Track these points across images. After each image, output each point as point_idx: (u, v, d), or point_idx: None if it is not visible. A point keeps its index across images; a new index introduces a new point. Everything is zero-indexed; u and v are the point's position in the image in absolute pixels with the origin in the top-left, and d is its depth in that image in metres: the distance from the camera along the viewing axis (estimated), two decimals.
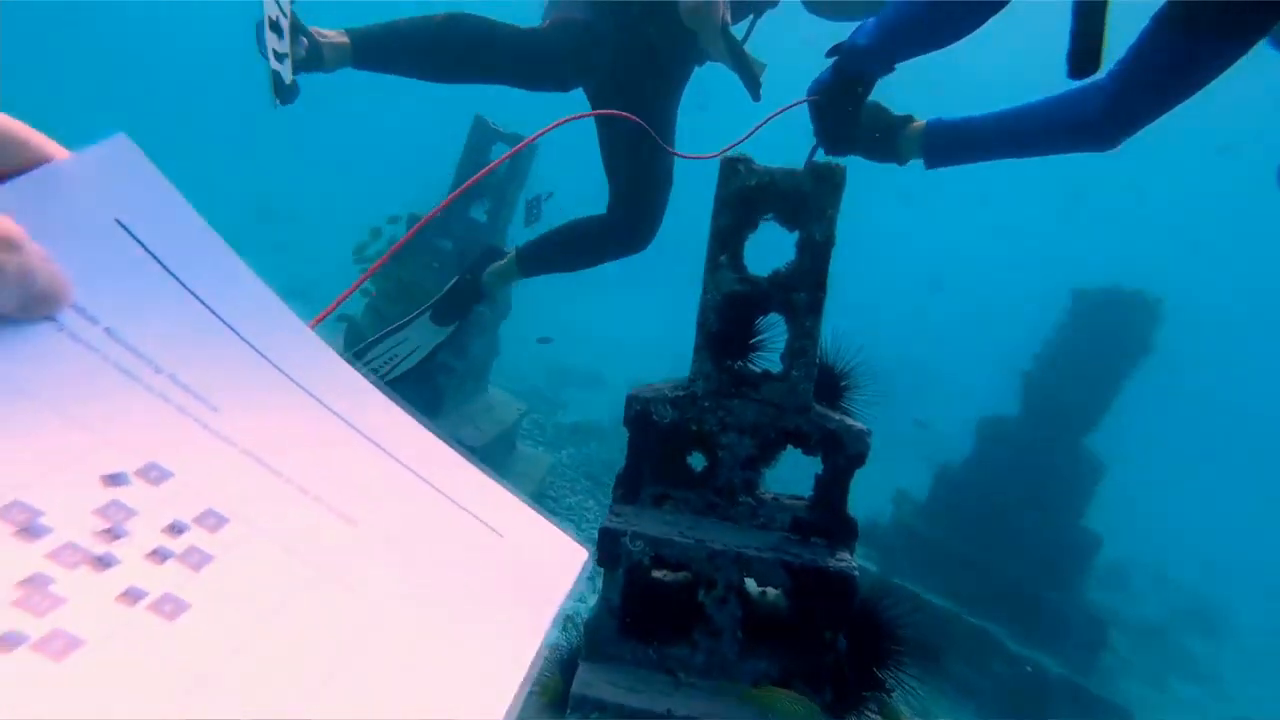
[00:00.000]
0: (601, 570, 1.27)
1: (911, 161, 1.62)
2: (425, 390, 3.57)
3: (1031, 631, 4.14)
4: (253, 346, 0.35)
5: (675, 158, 2.43)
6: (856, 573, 1.21)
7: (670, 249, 3.32)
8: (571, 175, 5.29)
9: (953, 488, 4.66)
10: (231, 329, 0.34)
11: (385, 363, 2.97)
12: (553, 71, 2.26)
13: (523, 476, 4.05)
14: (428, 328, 3.10)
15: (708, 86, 2.89)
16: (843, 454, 1.34)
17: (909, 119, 1.55)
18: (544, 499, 4.65)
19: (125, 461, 0.27)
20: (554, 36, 2.21)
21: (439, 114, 4.04)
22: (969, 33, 1.27)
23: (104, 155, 0.30)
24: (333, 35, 2.10)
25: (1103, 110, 1.31)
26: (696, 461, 1.50)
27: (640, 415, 1.42)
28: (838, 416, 1.36)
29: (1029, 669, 3.92)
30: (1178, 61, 1.16)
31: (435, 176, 4.03)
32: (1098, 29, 1.13)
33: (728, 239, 1.44)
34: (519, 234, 4.21)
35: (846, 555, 1.27)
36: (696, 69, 2.44)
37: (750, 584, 1.31)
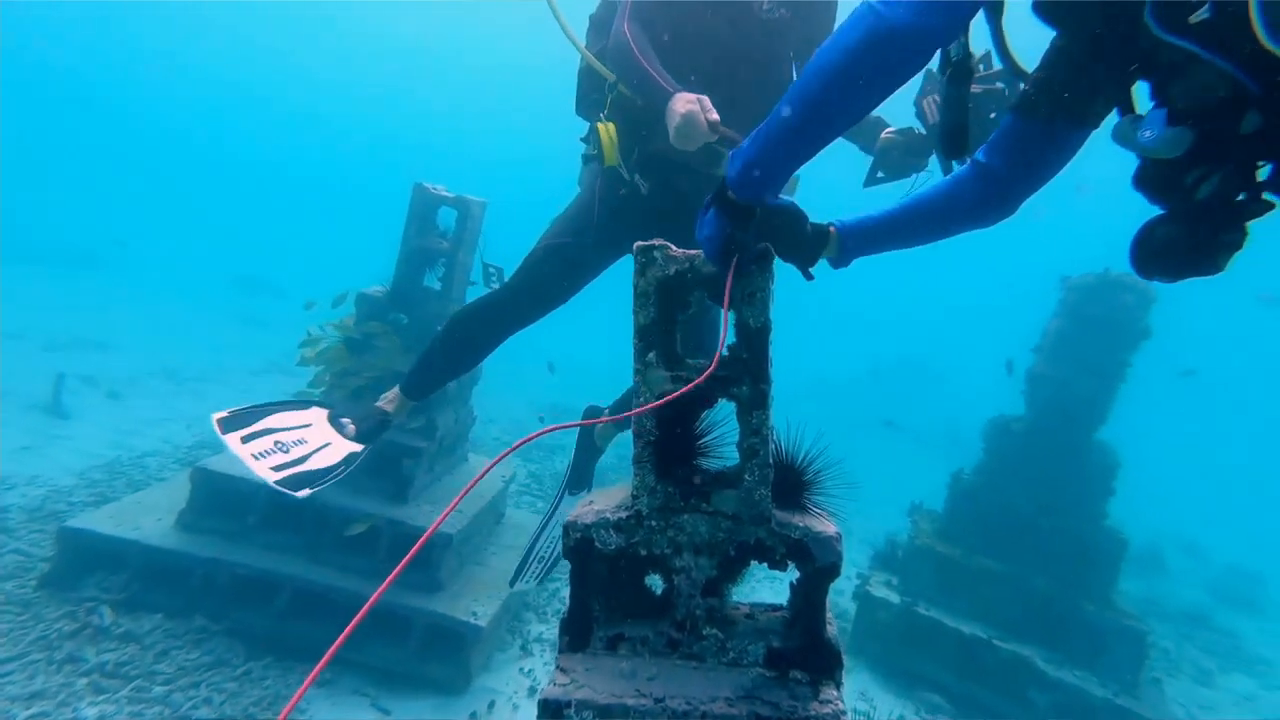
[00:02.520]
0: None
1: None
2: (388, 479, 3.38)
3: (1068, 650, 3.91)
4: None
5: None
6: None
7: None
8: (515, 234, 5.19)
9: (967, 497, 4.44)
10: None
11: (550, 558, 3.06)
12: (588, 262, 2.39)
13: (510, 549, 3.85)
14: (569, 501, 3.03)
15: None
16: (812, 565, 1.16)
17: (826, 230, 1.44)
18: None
19: None
20: (559, 243, 2.38)
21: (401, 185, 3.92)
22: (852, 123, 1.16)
23: None
24: (387, 399, 2.67)
25: (985, 191, 1.36)
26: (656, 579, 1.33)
27: (581, 545, 1.24)
28: (801, 524, 1.19)
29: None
30: (1032, 143, 1.27)
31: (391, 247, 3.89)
32: (962, 119, 1.25)
33: (653, 334, 1.27)
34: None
35: (832, 694, 1.09)
36: None
37: None
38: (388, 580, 0.79)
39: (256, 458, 2.10)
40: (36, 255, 13.00)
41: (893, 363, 18.52)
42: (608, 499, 1.35)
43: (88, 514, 3.27)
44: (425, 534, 0.88)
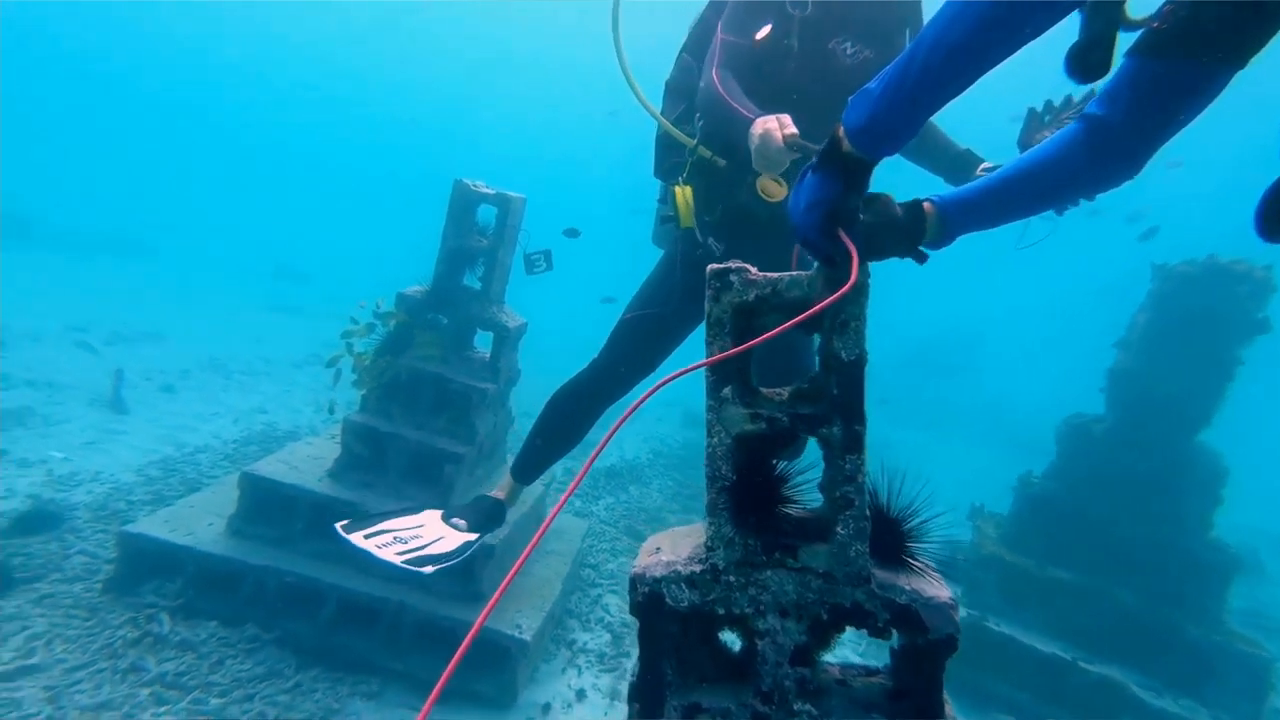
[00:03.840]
0: None
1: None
2: (429, 485, 3.33)
3: (1166, 675, 3.58)
4: None
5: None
6: None
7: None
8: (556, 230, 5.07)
9: (1039, 503, 4.16)
10: None
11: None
12: (674, 329, 2.40)
13: (554, 555, 3.78)
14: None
15: None
16: (924, 636, 1.02)
17: (919, 208, 1.25)
18: (584, 569, 4.37)
19: None
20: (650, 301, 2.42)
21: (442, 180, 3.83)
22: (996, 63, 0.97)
23: None
24: (500, 487, 2.71)
25: (1102, 147, 1.16)
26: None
27: (650, 601, 1.12)
28: (907, 585, 1.04)
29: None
30: (1160, 89, 1.07)
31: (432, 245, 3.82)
32: (1111, 30, 1.01)
33: (729, 367, 1.13)
34: (514, 298, 3.96)
35: None
36: None
37: None
38: (479, 620, 0.68)
39: (380, 547, 2.21)
40: (86, 243, 13.52)
41: (932, 349, 17.89)
42: (675, 546, 1.22)
43: (145, 519, 3.31)
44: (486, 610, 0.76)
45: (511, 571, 0.91)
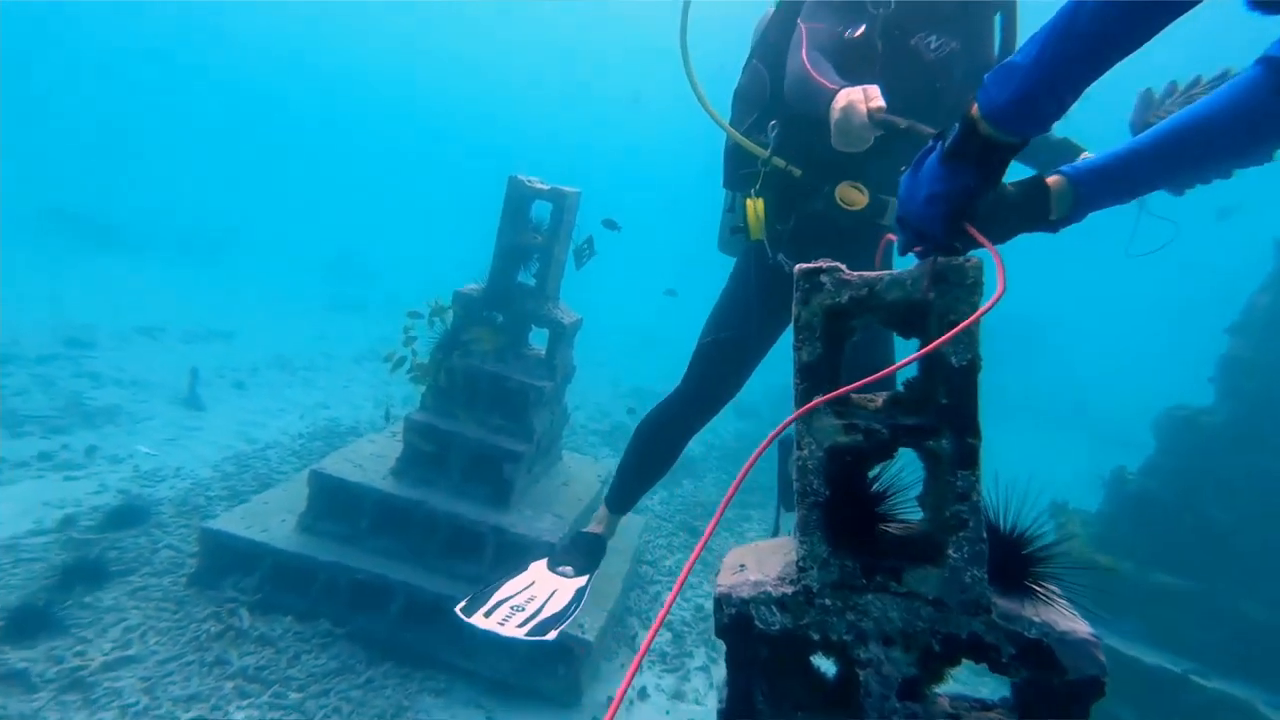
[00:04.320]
0: None
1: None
2: (488, 483, 3.34)
3: None
4: None
5: None
6: None
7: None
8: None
9: (1136, 502, 3.85)
10: None
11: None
12: (753, 347, 2.34)
13: (612, 552, 3.74)
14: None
15: None
16: (1061, 677, 0.91)
17: (1038, 184, 1.12)
18: (642, 566, 4.34)
19: None
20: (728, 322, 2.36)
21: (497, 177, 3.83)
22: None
23: None
24: (597, 520, 2.70)
25: None
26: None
27: (738, 623, 1.05)
28: (1035, 617, 0.94)
29: None
30: None
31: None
32: None
33: (819, 374, 1.04)
34: (569, 293, 3.93)
35: None
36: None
37: None
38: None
39: (502, 624, 2.27)
40: (160, 245, 14.27)
41: (998, 333, 17.05)
42: (761, 563, 1.14)
43: (224, 516, 3.44)
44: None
45: (654, 627, 0.85)
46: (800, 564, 1.04)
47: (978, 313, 0.96)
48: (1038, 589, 0.99)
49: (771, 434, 1.06)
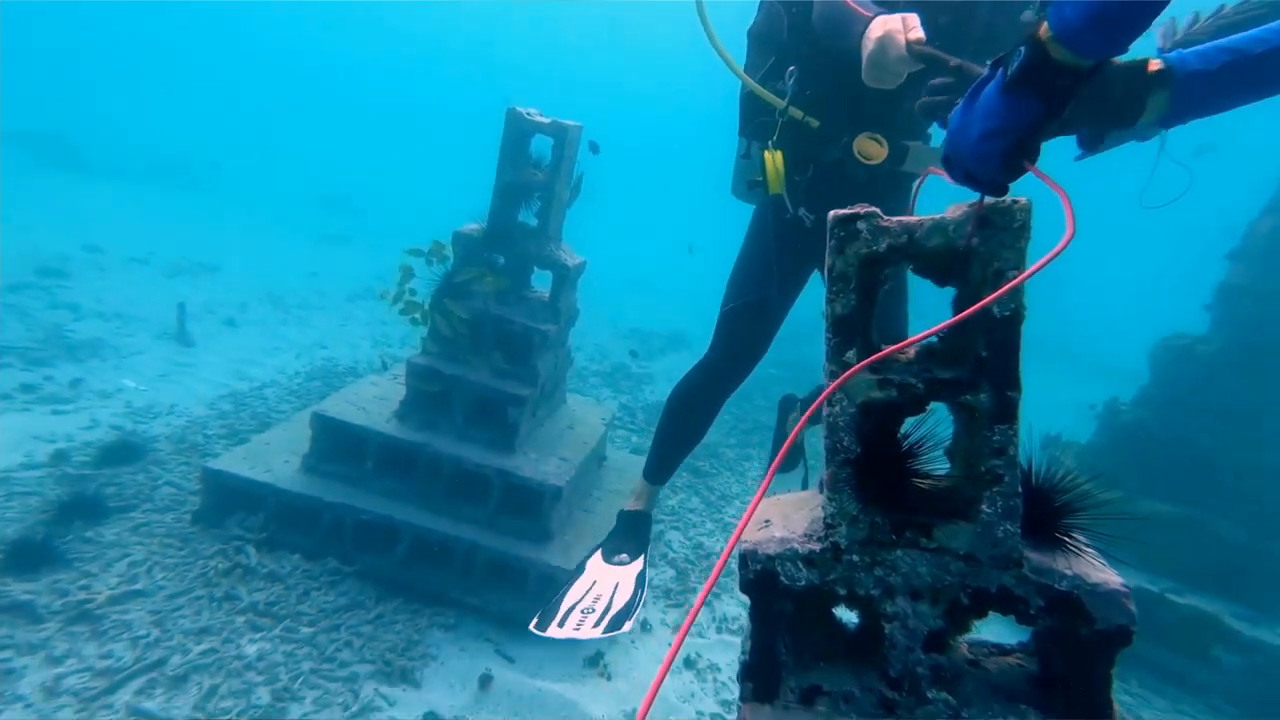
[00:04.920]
0: None
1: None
2: (493, 427, 3.34)
3: (1264, 606, 3.41)
4: None
5: None
6: None
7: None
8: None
9: (1128, 433, 3.89)
10: None
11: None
12: (778, 304, 2.30)
13: (616, 494, 3.80)
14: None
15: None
16: (1090, 628, 0.91)
17: (1143, 67, 0.99)
18: None
19: None
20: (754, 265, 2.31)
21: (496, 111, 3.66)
22: None
23: None
24: (636, 495, 2.60)
25: None
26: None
27: (763, 579, 1.04)
28: (1066, 569, 0.93)
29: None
30: None
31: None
32: None
33: (853, 327, 1.00)
34: (571, 234, 3.82)
35: None
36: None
37: None
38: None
39: (577, 628, 2.25)
40: (136, 171, 13.82)
41: None
42: (787, 520, 1.12)
43: (226, 455, 3.44)
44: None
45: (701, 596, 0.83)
46: (828, 520, 1.02)
47: (1045, 259, 0.90)
48: (1068, 540, 0.98)
49: (814, 403, 1.02)
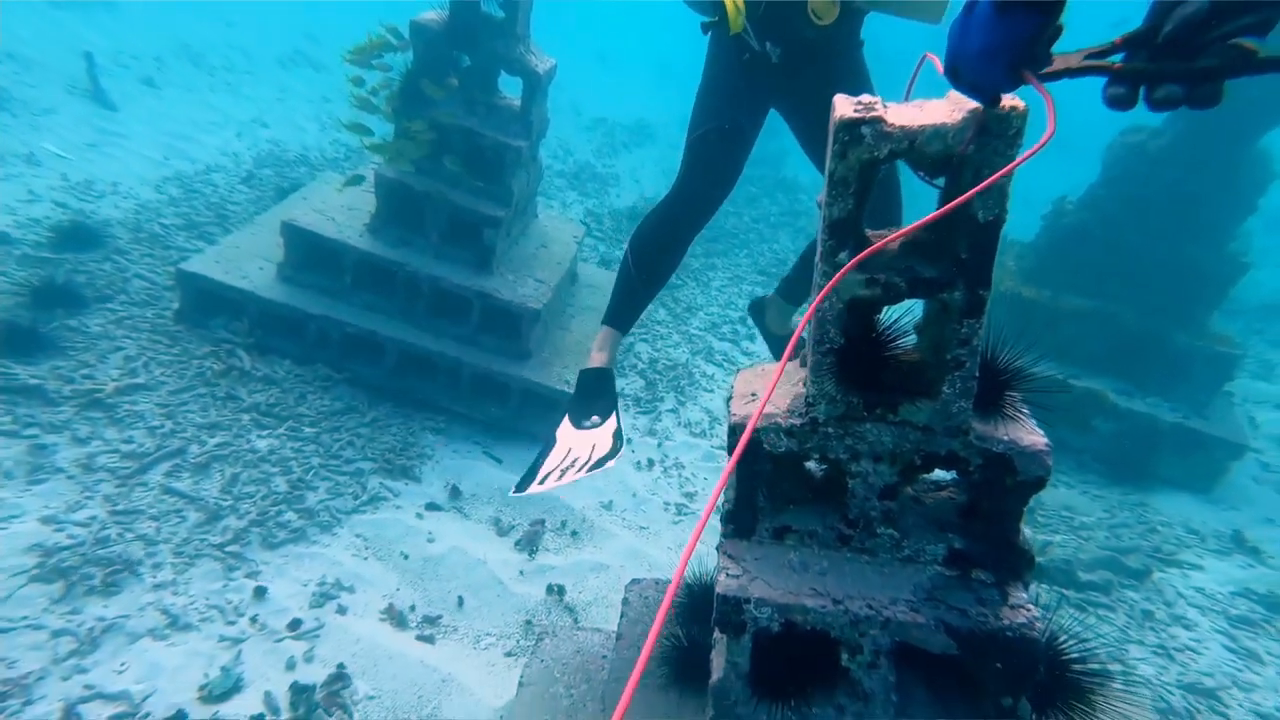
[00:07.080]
0: None
1: None
2: (469, 248, 3.32)
3: (1146, 382, 3.81)
4: None
5: None
6: (1039, 628, 1.11)
7: None
8: None
9: (1068, 235, 4.02)
10: None
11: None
12: (744, 131, 2.28)
13: (592, 311, 3.94)
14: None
15: None
16: (1014, 478, 1.13)
17: None
18: None
19: None
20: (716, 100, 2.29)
21: None
22: None
23: None
24: (597, 347, 2.35)
25: None
26: None
27: (748, 446, 1.22)
28: (1004, 435, 1.13)
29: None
30: None
31: None
32: None
33: (847, 229, 1.07)
34: (538, 30, 3.43)
35: (1022, 597, 1.15)
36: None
37: None
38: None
39: (560, 478, 2.10)
40: None
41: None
42: (773, 400, 1.28)
43: (197, 258, 3.35)
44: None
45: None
46: (809, 399, 1.18)
47: (1021, 157, 0.94)
48: (1007, 408, 1.17)
49: (805, 316, 1.11)
